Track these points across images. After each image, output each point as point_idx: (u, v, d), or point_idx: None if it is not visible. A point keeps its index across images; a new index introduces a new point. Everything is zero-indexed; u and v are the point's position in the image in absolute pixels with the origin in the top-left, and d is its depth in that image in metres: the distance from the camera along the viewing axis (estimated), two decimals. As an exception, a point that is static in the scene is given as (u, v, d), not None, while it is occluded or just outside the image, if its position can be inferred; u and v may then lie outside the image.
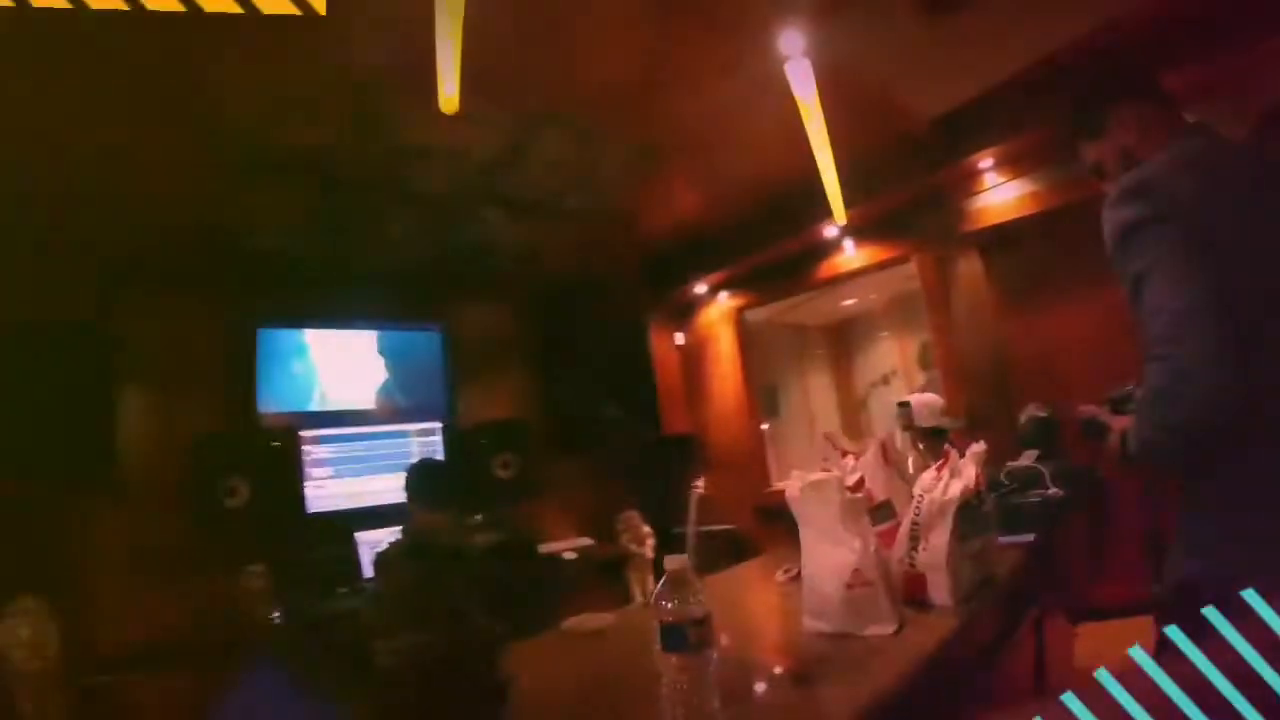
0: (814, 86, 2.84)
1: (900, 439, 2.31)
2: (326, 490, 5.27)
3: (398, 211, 4.72)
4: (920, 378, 7.33)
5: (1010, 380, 4.95)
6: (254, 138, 3.68)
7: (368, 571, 4.90)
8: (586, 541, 5.50)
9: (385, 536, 4.91)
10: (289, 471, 5.07)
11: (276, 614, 4.45)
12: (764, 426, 6.63)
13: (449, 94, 2.20)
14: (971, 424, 4.94)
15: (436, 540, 3.56)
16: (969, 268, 5.19)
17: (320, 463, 5.29)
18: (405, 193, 4.49)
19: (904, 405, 4.30)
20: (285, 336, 5.34)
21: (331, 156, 3.99)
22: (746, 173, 5.01)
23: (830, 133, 3.29)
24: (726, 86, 3.85)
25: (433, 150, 4.07)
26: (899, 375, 7.48)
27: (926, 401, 4.34)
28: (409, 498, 3.73)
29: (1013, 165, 4.90)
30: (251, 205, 4.30)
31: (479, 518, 5.40)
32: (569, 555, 5.29)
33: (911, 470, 2.15)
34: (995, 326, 5.07)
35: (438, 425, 5.72)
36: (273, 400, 5.21)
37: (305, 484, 5.15)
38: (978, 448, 1.96)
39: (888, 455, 1.97)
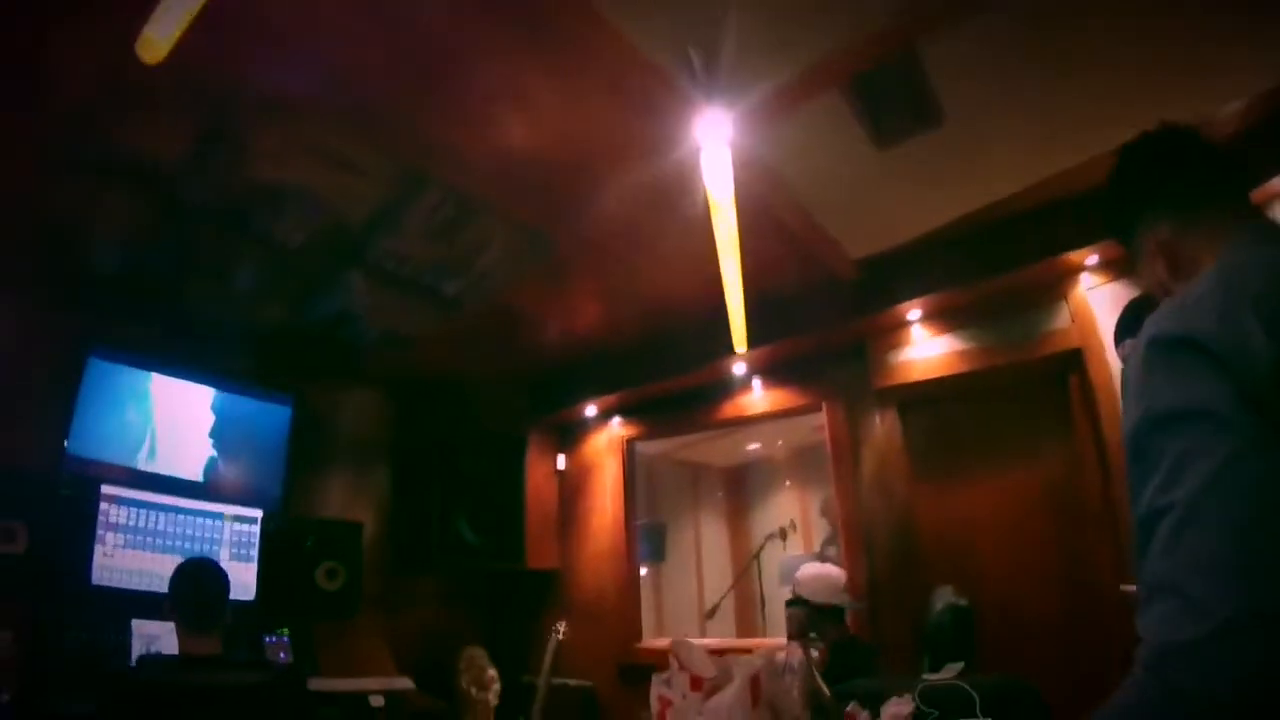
0: (730, 181, 2.29)
1: (790, 652, 1.65)
2: (114, 561, 4.41)
3: (249, 255, 4.00)
4: (821, 533, 6.81)
5: (918, 554, 4.40)
6: (85, 128, 2.96)
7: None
8: (405, 683, 4.57)
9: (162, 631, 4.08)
10: (77, 528, 4.26)
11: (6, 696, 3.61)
12: (643, 571, 5.90)
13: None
14: (873, 604, 4.34)
15: (173, 676, 2.78)
16: (882, 425, 4.69)
17: (115, 527, 4.46)
18: (258, 236, 3.79)
19: (796, 605, 3.69)
20: (122, 375, 4.58)
21: (174, 172, 3.28)
22: (654, 289, 4.48)
23: (744, 258, 2.79)
24: (645, 184, 3.36)
25: (294, 192, 3.40)
26: (798, 530, 6.92)
27: (823, 575, 3.73)
28: (168, 605, 3.01)
29: (941, 320, 4.49)
30: (81, 210, 3.55)
31: (273, 639, 4.53)
32: (376, 700, 4.36)
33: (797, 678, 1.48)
34: (906, 492, 4.54)
35: (257, 514, 4.83)
36: (89, 444, 4.41)
37: (94, 547, 4.33)
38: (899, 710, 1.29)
39: (757, 692, 1.29)
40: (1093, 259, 3.96)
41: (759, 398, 5.16)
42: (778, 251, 4.03)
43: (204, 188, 3.40)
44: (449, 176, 3.28)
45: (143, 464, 4.57)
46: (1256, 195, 3.21)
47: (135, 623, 4.13)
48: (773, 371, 5.07)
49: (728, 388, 5.23)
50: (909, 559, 4.42)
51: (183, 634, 2.96)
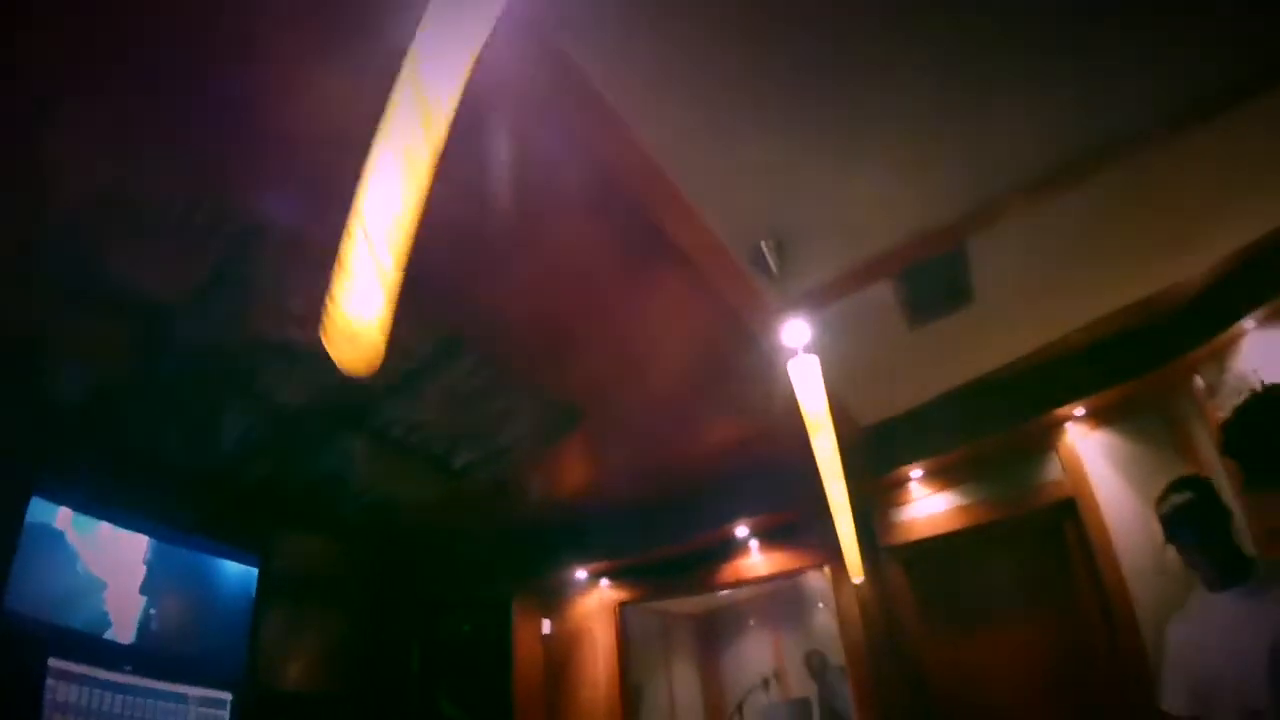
0: (823, 391, 2.28)
1: None
2: None
3: (239, 406, 3.75)
4: (799, 678, 6.63)
5: (931, 708, 4.36)
6: (73, 249, 2.75)
7: None
8: None
9: None
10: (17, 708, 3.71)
11: None
12: (630, 739, 5.58)
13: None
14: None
15: None
16: (889, 583, 4.66)
17: (66, 708, 3.87)
18: (254, 389, 3.57)
19: None
20: (69, 518, 4.06)
21: (173, 310, 3.08)
22: (655, 453, 4.41)
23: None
24: (700, 369, 3.36)
25: (309, 352, 3.23)
26: (781, 680, 6.73)
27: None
28: None
29: (940, 477, 4.56)
30: (55, 336, 3.27)
31: None
32: None
33: None
34: (915, 646, 4.49)
35: (226, 696, 4.35)
36: (29, 599, 3.84)
37: None
38: None
39: None
40: (1080, 410, 4.12)
41: (758, 560, 5.05)
42: (790, 422, 4.05)
43: (202, 331, 3.21)
44: (488, 345, 3.18)
45: (92, 627, 4.02)
46: (1223, 338, 3.51)
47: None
48: (772, 534, 5.00)
49: (726, 550, 5.12)
50: (922, 713, 4.33)
51: None
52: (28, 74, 2.03)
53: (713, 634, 7.53)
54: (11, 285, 2.95)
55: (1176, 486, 2.46)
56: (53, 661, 3.74)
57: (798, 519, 4.82)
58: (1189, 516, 2.35)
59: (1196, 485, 2.45)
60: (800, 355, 2.35)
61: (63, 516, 3.99)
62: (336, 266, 1.03)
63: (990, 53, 2.17)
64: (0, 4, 1.86)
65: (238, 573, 4.64)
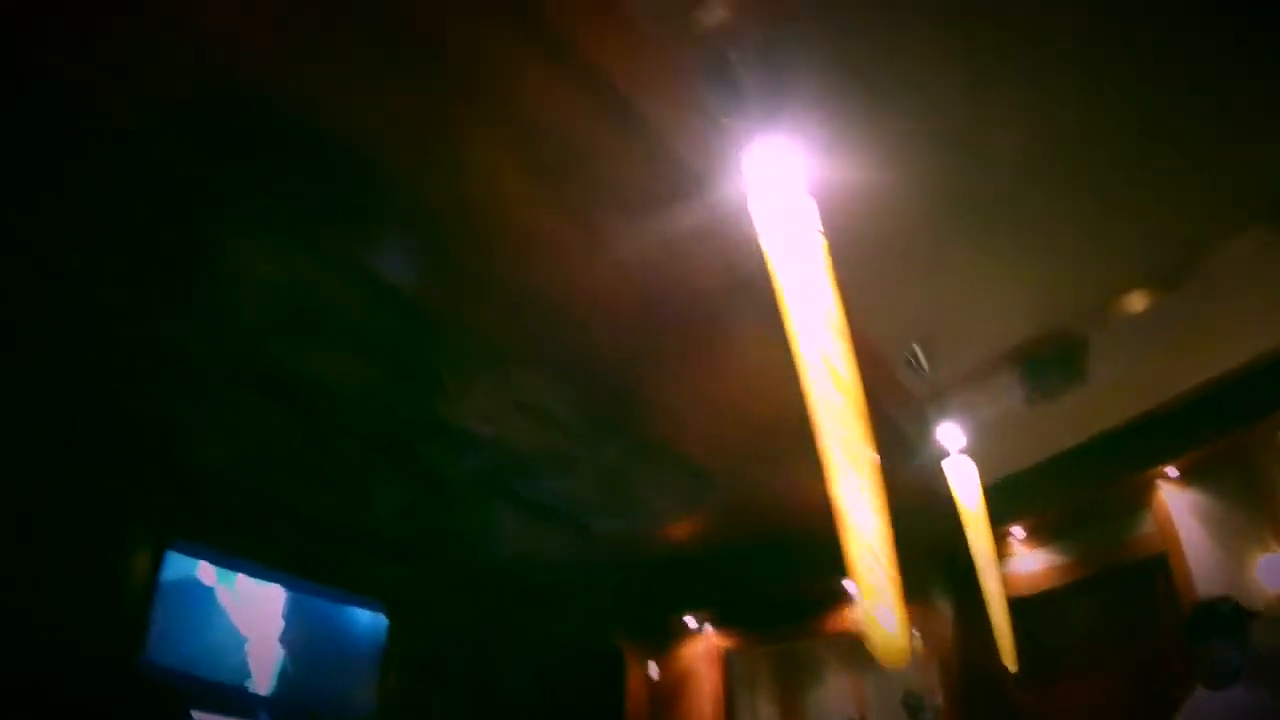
0: (979, 490, 2.57)
1: None
2: None
3: (394, 479, 4.11)
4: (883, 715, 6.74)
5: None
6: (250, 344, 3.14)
7: None
8: None
9: None
10: None
11: None
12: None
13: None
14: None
15: None
16: (988, 633, 4.87)
17: None
18: (415, 465, 3.93)
19: None
20: (204, 572, 4.35)
21: (342, 399, 3.44)
22: (770, 508, 4.70)
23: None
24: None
25: (480, 438, 3.59)
26: None
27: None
28: None
29: (1037, 534, 4.79)
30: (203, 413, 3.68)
31: None
32: None
33: None
34: (1012, 695, 4.69)
35: None
36: (163, 650, 4.06)
37: None
38: None
39: None
40: (1173, 470, 4.30)
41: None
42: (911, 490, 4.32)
43: (369, 416, 3.57)
44: (647, 429, 3.50)
45: (233, 678, 4.33)
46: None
47: None
48: (873, 584, 5.22)
49: (830, 600, 5.38)
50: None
51: None
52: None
53: (792, 672, 7.62)
54: (173, 363, 3.33)
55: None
56: (196, 715, 3.89)
57: (904, 576, 5.04)
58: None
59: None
60: (955, 457, 2.63)
61: (206, 571, 4.32)
62: (858, 586, 1.46)
63: (1119, 169, 2.46)
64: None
65: (368, 621, 4.96)
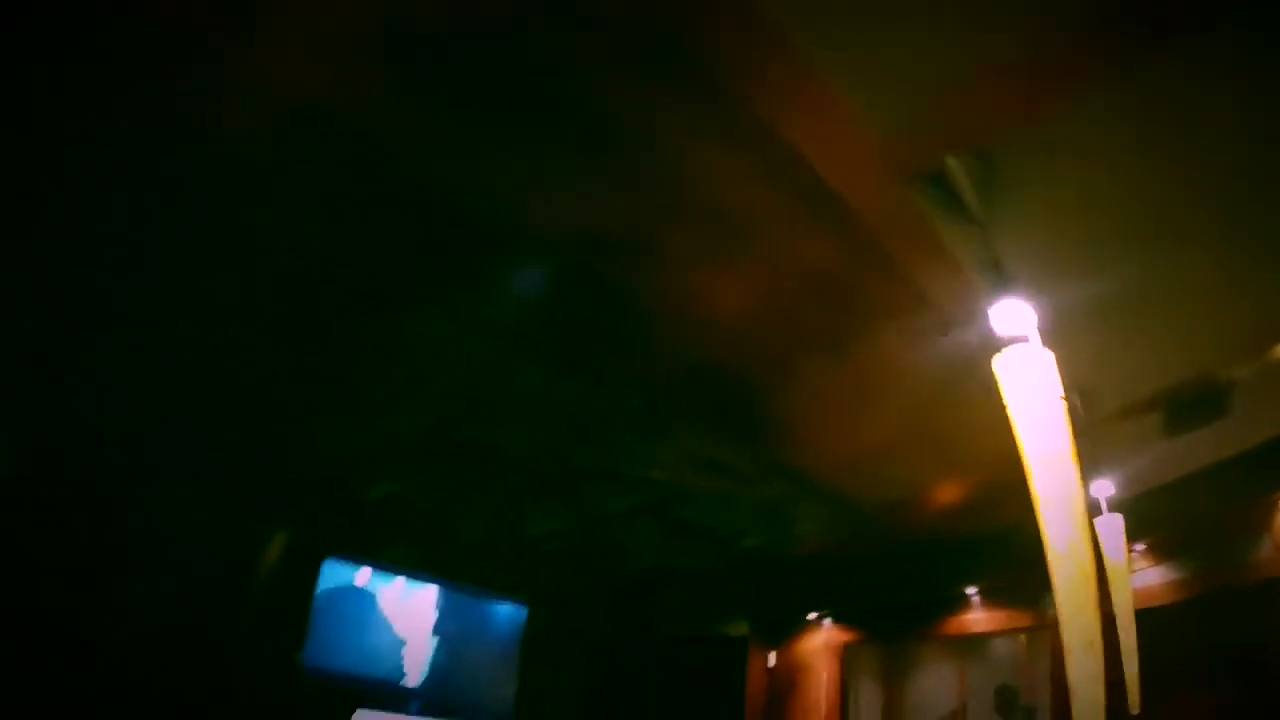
0: (1125, 547, 2.82)
1: None
2: None
3: (556, 508, 4.56)
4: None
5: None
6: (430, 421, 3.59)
7: None
8: None
9: None
10: None
11: None
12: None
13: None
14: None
15: None
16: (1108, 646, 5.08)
17: None
18: (571, 498, 4.37)
19: None
20: (359, 578, 4.87)
21: (509, 454, 3.91)
22: (897, 528, 5.01)
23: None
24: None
25: (654, 486, 3.99)
26: (962, 716, 7.07)
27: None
28: None
29: (1157, 551, 4.95)
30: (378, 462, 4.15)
31: None
32: None
33: None
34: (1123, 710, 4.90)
35: None
36: (320, 652, 4.54)
37: None
38: None
39: None
40: None
41: (979, 617, 5.60)
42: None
43: (543, 466, 3.99)
44: (806, 467, 3.82)
45: (391, 676, 4.80)
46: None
47: None
48: (993, 591, 5.53)
49: (949, 604, 5.70)
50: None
51: None
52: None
53: (900, 665, 7.77)
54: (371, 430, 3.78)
55: None
56: (360, 713, 4.51)
57: (1021, 583, 5.29)
58: None
59: None
60: (1106, 517, 2.88)
61: (364, 578, 4.79)
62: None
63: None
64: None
65: (510, 615, 5.41)
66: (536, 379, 3.19)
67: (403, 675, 4.84)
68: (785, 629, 6.33)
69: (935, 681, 7.33)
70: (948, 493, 4.32)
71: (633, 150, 2.07)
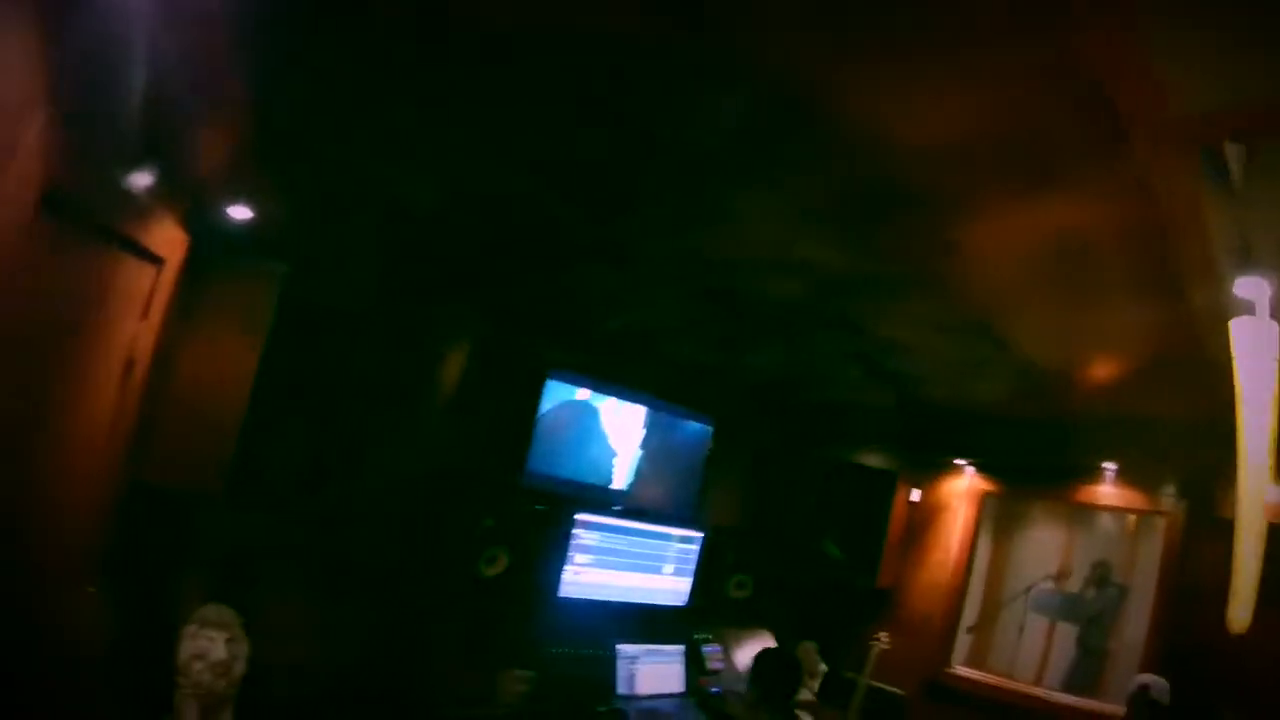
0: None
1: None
2: (580, 577, 5.33)
3: (774, 347, 5.43)
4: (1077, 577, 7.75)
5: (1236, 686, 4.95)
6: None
7: (621, 688, 5.21)
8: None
9: (640, 652, 5.30)
10: (555, 552, 5.15)
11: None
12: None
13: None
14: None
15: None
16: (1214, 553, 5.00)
17: (584, 549, 5.33)
18: (797, 341, 5.20)
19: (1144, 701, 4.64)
20: (575, 395, 5.50)
21: (755, 301, 4.61)
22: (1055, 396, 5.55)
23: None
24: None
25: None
26: (1062, 578, 7.76)
27: (1166, 687, 4.66)
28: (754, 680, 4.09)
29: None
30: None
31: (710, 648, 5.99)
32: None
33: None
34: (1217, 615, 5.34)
35: (698, 536, 6.08)
36: (548, 461, 5.28)
37: (565, 567, 5.21)
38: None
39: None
40: None
41: (1110, 491, 6.33)
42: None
43: (782, 315, 4.76)
44: (1004, 327, 4.31)
45: (603, 481, 5.61)
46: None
47: (620, 647, 5.14)
48: (1124, 472, 6.20)
49: (1087, 474, 6.36)
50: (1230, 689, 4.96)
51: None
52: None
53: (1015, 519, 8.21)
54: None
55: None
56: (580, 516, 5.19)
57: (1149, 470, 6.01)
58: None
59: None
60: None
61: (583, 395, 5.49)
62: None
63: None
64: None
65: (696, 431, 6.33)
66: (812, 249, 3.62)
67: (611, 481, 5.70)
68: (932, 470, 7.21)
69: (1042, 545, 8.11)
70: (1110, 373, 4.79)
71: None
